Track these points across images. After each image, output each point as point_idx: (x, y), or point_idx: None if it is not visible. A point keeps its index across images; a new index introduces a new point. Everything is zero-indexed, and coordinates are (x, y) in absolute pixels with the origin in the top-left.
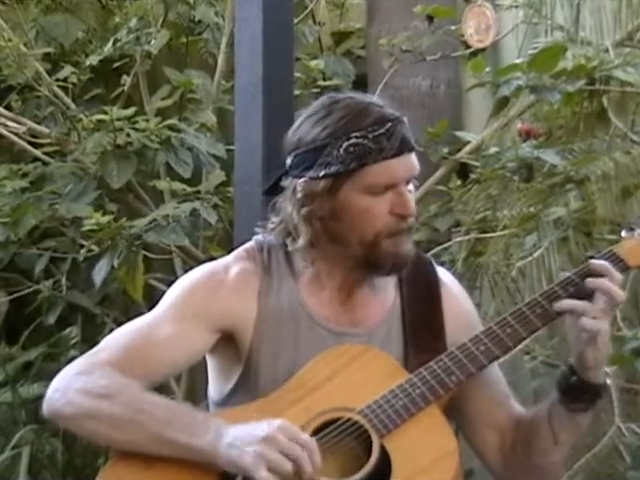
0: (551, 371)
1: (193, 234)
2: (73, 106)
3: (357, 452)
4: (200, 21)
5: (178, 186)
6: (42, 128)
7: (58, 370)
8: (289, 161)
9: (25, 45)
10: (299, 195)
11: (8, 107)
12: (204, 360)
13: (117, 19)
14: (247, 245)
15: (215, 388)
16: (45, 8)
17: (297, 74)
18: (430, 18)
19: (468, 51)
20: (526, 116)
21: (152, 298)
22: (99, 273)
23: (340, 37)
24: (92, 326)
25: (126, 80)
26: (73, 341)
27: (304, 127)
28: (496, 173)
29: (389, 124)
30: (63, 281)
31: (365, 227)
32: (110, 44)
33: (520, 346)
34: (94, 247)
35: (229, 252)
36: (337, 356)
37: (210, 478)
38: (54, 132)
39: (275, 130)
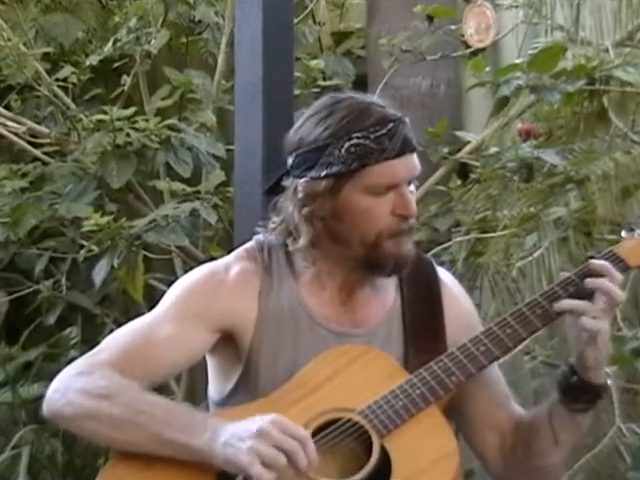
0: (551, 371)
1: (193, 234)
2: (73, 106)
3: (357, 452)
4: (200, 21)
5: (178, 186)
6: (42, 128)
7: (58, 370)
8: (290, 161)
9: (25, 45)
10: (300, 195)
11: (8, 107)
12: (204, 360)
13: (117, 19)
14: (247, 245)
15: (215, 388)
16: (45, 8)
17: (297, 74)
18: (430, 18)
19: (468, 51)
20: (526, 116)
21: (152, 298)
22: (99, 273)
23: (340, 37)
24: (92, 326)
25: (126, 80)
26: (73, 341)
27: (305, 127)
28: (496, 173)
29: (391, 124)
30: (63, 281)
31: (366, 227)
32: (110, 44)
33: (520, 346)
34: (94, 247)
35: (229, 252)
36: (338, 356)
37: (209, 478)
38: (54, 132)
39: (275, 130)
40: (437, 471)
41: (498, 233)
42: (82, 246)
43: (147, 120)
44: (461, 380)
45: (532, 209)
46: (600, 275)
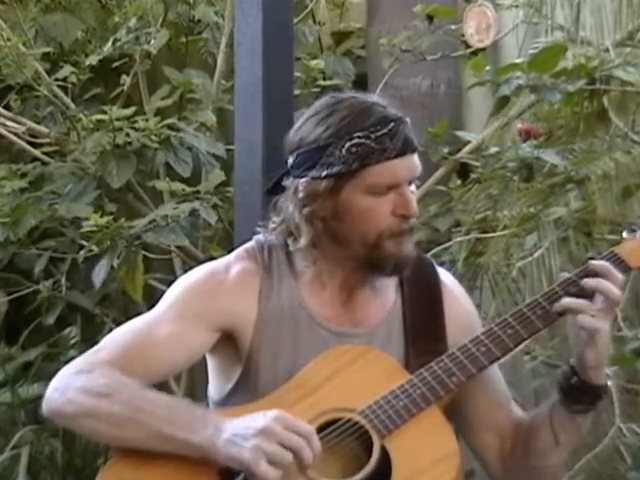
0: (552, 372)
1: (192, 234)
2: (72, 106)
3: (358, 452)
4: (200, 21)
5: (177, 186)
6: (41, 128)
7: (57, 370)
8: (291, 161)
9: (24, 45)
10: (301, 195)
11: (7, 107)
12: (204, 360)
13: (116, 19)
14: (248, 245)
15: (215, 388)
16: (44, 7)
17: (297, 74)
18: (430, 18)
19: (468, 51)
20: (526, 116)
21: (152, 298)
22: (99, 273)
23: (340, 37)
24: (92, 326)
25: (125, 80)
26: (73, 341)
27: (306, 127)
28: (496, 173)
29: (392, 124)
30: (63, 281)
31: (367, 227)
32: (109, 44)
33: (521, 347)
34: (94, 247)
35: (229, 252)
36: (338, 356)
37: (209, 474)
38: (53, 132)
39: (275, 130)
40: (437, 471)
41: (498, 233)
42: (82, 246)
43: (147, 120)
44: (462, 380)
45: (532, 209)
46: (600, 275)
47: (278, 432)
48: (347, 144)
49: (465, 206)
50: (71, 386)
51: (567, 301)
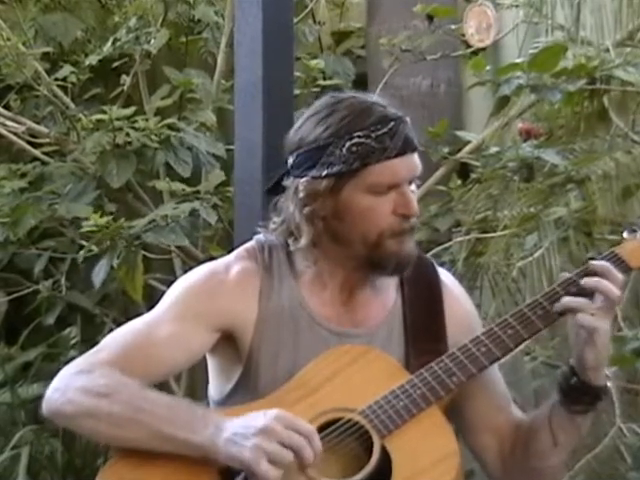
0: (552, 372)
1: (192, 234)
2: (72, 106)
3: (358, 452)
4: (200, 20)
5: (177, 186)
6: (41, 128)
7: (57, 370)
8: (291, 161)
9: (24, 44)
10: (301, 195)
11: (7, 107)
12: (204, 360)
13: (116, 18)
14: (248, 245)
15: (215, 388)
16: (44, 7)
17: (297, 73)
18: (430, 17)
19: (468, 50)
20: (527, 116)
21: (152, 298)
22: (98, 273)
23: (340, 36)
24: (91, 326)
25: (125, 80)
26: (72, 341)
27: (306, 126)
28: (497, 173)
29: (392, 123)
30: (62, 281)
31: (368, 227)
32: (109, 43)
33: (521, 347)
34: (93, 247)
35: (229, 252)
36: (338, 356)
37: (210, 473)
38: (53, 132)
39: (275, 130)
40: (437, 471)
41: (498, 233)
42: (81, 246)
43: (147, 120)
44: (462, 380)
45: (532, 209)
46: (600, 275)
47: (278, 431)
48: (347, 143)
49: (465, 206)
50: (71, 386)
51: (567, 300)
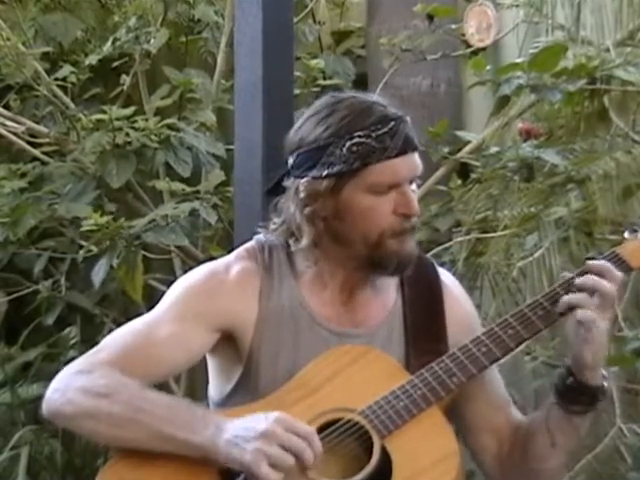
0: (552, 372)
1: (192, 234)
2: (72, 105)
3: (358, 453)
4: (200, 20)
5: (177, 186)
6: (41, 128)
7: (57, 370)
8: (291, 161)
9: (24, 44)
10: (302, 195)
11: (7, 106)
12: (204, 360)
13: (116, 18)
14: (248, 245)
15: (215, 388)
16: (44, 7)
17: (297, 73)
18: (430, 17)
19: (469, 50)
20: (527, 116)
21: (151, 298)
22: (98, 273)
23: (340, 36)
24: (91, 326)
25: (125, 79)
26: (72, 341)
27: (306, 126)
28: (497, 173)
29: (392, 123)
30: (62, 281)
31: (369, 227)
32: (109, 43)
33: (521, 347)
34: (93, 247)
35: (229, 252)
36: (338, 357)
37: (210, 474)
38: (53, 132)
39: (275, 130)
40: (438, 471)
41: (499, 233)
42: (81, 246)
43: (146, 120)
44: (462, 381)
45: (533, 209)
46: (597, 274)
47: (279, 434)
48: (348, 143)
49: (465, 206)
50: (71, 386)
51: (567, 298)
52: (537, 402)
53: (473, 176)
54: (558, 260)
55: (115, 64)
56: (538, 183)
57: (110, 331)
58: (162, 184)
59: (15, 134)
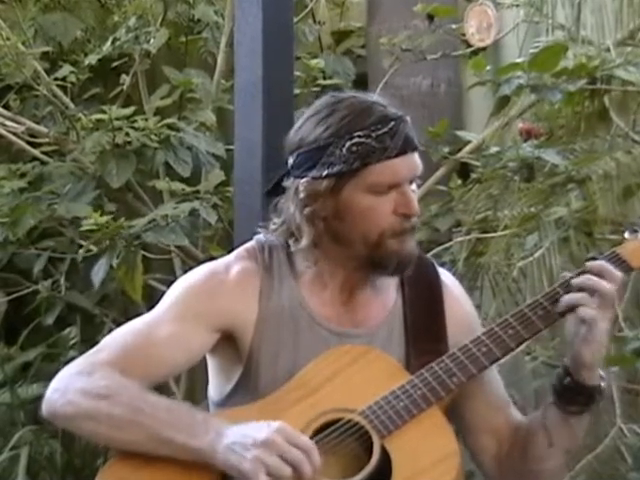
0: (552, 372)
1: (192, 234)
2: (72, 105)
3: (358, 453)
4: (199, 20)
5: (177, 186)
6: (41, 128)
7: (57, 371)
8: (291, 161)
9: (23, 44)
10: (302, 195)
11: (6, 106)
12: (204, 361)
13: (116, 18)
14: (248, 245)
15: (215, 388)
16: (44, 7)
17: (297, 73)
18: (430, 17)
19: (469, 50)
20: (527, 115)
21: (151, 298)
22: (98, 273)
23: (340, 36)
24: (91, 326)
25: (125, 79)
26: (72, 341)
27: (306, 127)
28: (497, 173)
29: (392, 123)
30: (62, 281)
31: (369, 227)
32: (109, 43)
33: (521, 347)
34: (93, 247)
35: (229, 252)
36: (338, 357)
37: (210, 474)
38: (53, 132)
39: (275, 130)
40: (438, 471)
41: (499, 233)
42: (81, 246)
43: (146, 119)
44: (462, 381)
45: (533, 209)
46: (596, 274)
47: (279, 444)
48: (348, 143)
49: (466, 206)
50: (71, 387)
51: (568, 297)
52: (537, 402)
53: (473, 176)
54: (558, 260)
55: (115, 64)
56: (538, 183)
57: (110, 331)
58: (162, 184)
59: (15, 134)
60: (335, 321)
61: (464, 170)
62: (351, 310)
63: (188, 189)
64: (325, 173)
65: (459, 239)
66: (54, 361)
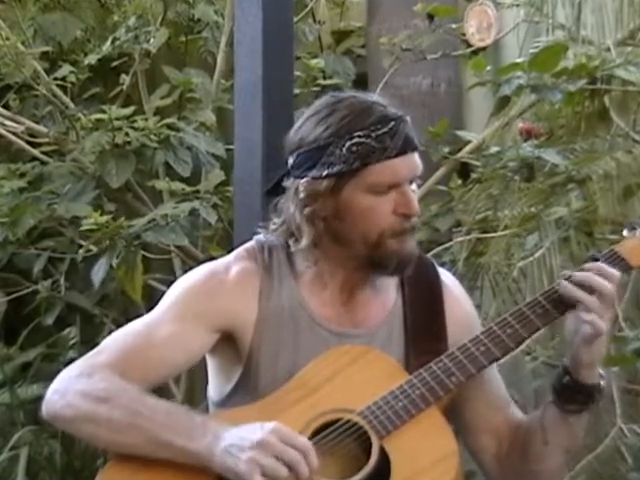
0: (552, 372)
1: (192, 234)
2: (71, 105)
3: (357, 453)
4: (199, 20)
5: (177, 186)
6: (40, 127)
7: (57, 371)
8: (291, 161)
9: (23, 44)
10: (301, 195)
11: (6, 106)
12: (204, 361)
13: (116, 17)
14: (248, 245)
15: (215, 388)
16: (43, 6)
17: (297, 73)
18: (430, 17)
19: (469, 50)
20: (527, 115)
21: (151, 298)
22: (98, 273)
23: (340, 36)
24: (91, 326)
25: (125, 79)
26: (72, 342)
27: (306, 126)
28: (497, 173)
29: (392, 123)
30: (62, 281)
31: (369, 227)
32: (109, 43)
33: (521, 347)
34: (92, 247)
35: (229, 252)
36: (338, 357)
37: (208, 477)
38: (52, 131)
39: (275, 129)
40: (437, 471)
41: (499, 233)
42: (81, 246)
43: (146, 119)
44: (461, 380)
45: (533, 209)
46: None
47: (274, 445)
48: (347, 143)
49: (466, 206)
50: (71, 389)
51: (580, 293)
52: (537, 402)
53: (473, 176)
54: (559, 260)
55: (114, 64)
56: (538, 183)
57: (110, 331)
58: (162, 184)
59: (14, 134)
60: (335, 321)
61: (464, 170)
62: (351, 310)
63: (188, 189)
64: (325, 173)
65: (459, 239)
66: (54, 361)
